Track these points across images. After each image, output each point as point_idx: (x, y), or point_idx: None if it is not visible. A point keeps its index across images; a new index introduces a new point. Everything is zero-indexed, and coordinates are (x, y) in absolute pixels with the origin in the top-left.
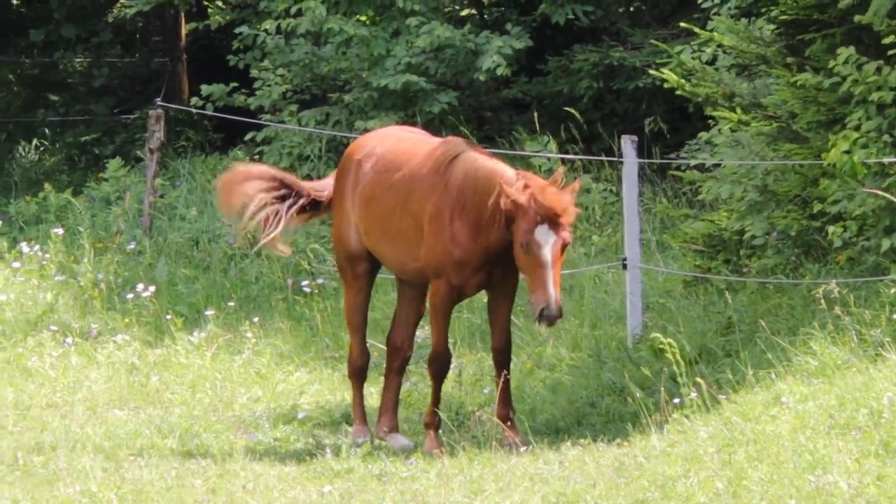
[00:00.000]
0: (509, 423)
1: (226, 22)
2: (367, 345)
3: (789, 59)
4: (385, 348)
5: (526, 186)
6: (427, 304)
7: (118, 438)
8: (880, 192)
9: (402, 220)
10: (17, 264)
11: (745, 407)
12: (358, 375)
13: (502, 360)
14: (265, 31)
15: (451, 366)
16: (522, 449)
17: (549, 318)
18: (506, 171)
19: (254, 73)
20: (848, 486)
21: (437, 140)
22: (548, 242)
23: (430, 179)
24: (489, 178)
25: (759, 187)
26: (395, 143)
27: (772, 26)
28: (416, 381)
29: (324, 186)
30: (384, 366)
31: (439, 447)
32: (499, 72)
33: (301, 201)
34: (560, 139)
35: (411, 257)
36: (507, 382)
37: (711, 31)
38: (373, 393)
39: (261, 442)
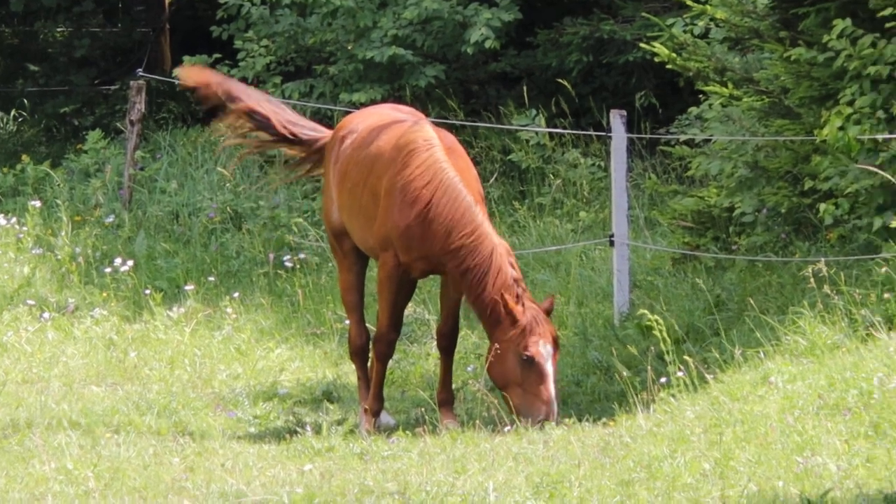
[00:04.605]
0: (448, 408)
1: None
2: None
3: (782, 34)
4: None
5: (523, 305)
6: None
7: (95, 415)
8: (874, 169)
9: (363, 195)
10: None
11: (733, 386)
12: (358, 355)
13: (447, 345)
14: (250, 1)
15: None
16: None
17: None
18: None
19: (237, 43)
20: (837, 467)
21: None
22: (550, 356)
23: (389, 155)
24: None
25: (749, 163)
26: (375, 120)
27: (765, 0)
28: (399, 359)
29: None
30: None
31: (374, 429)
32: (487, 45)
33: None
34: (549, 113)
35: (371, 233)
36: (448, 367)
37: (704, 3)
38: (347, 373)
39: (240, 419)
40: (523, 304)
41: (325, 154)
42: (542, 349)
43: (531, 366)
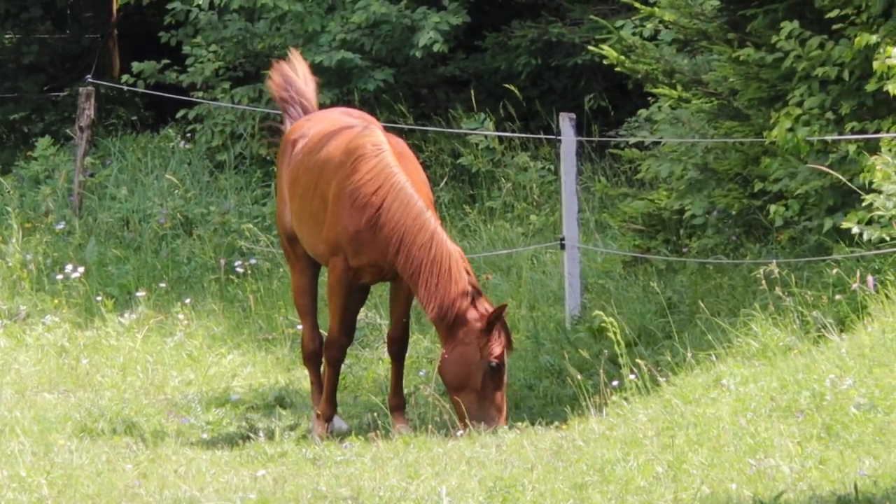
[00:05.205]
0: (400, 413)
1: None
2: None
3: (730, 35)
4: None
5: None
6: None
7: (48, 422)
8: (824, 169)
9: (313, 200)
10: None
11: (685, 389)
12: (311, 360)
13: (397, 350)
14: (198, 6)
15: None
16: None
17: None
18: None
19: (186, 49)
20: (790, 469)
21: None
22: (506, 367)
23: (338, 160)
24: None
25: (699, 165)
26: (326, 125)
27: (714, 1)
28: (351, 364)
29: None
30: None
31: (327, 434)
32: (435, 48)
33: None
34: (497, 117)
35: (321, 239)
36: (399, 372)
37: (653, 5)
38: (300, 379)
39: (193, 425)
40: (490, 311)
41: (278, 160)
42: (506, 357)
43: (494, 373)
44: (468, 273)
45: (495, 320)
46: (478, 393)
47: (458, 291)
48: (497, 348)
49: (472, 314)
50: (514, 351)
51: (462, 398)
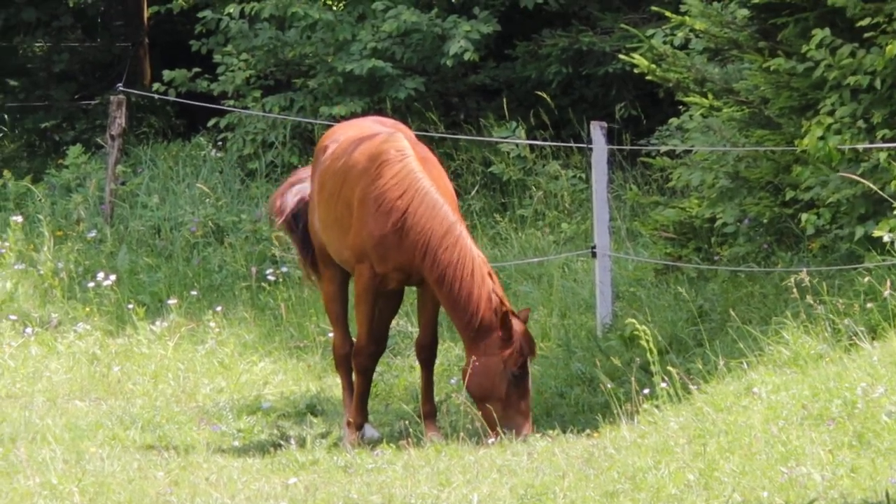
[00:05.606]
0: (431, 420)
1: (189, 6)
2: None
3: (761, 44)
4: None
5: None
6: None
7: (79, 430)
8: (856, 178)
9: (337, 206)
10: None
11: (717, 397)
12: (343, 366)
13: (427, 357)
14: (228, 15)
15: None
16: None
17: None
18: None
19: (217, 58)
20: (821, 477)
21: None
22: (530, 374)
23: (362, 166)
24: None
25: (730, 174)
26: (356, 131)
27: (744, 10)
28: (382, 371)
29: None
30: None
31: (358, 441)
32: (466, 57)
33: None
34: (528, 125)
35: (346, 245)
36: (429, 379)
37: (683, 14)
38: (331, 386)
39: (224, 433)
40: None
41: (312, 166)
42: (529, 366)
43: (518, 382)
44: (492, 279)
45: (505, 325)
46: (503, 402)
47: (482, 295)
48: (519, 357)
49: (494, 324)
50: (546, 359)
51: (488, 406)
